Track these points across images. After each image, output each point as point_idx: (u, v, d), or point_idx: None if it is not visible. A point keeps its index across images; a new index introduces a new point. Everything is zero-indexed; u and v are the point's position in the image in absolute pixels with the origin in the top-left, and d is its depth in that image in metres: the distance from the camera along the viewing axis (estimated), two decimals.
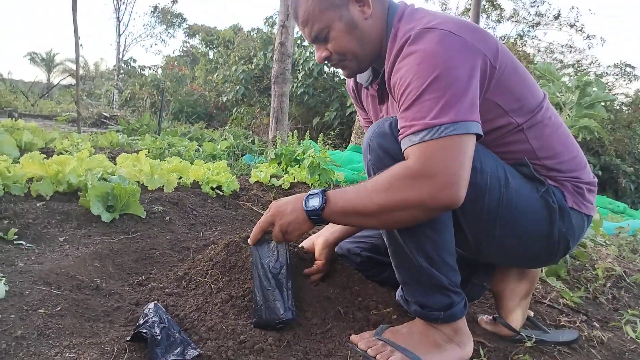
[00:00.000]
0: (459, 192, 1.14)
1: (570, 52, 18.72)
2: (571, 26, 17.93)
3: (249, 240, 1.44)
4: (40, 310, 1.30)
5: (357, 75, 1.56)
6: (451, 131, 1.13)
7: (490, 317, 1.70)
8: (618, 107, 14.06)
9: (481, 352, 1.48)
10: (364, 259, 1.72)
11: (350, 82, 1.70)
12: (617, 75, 17.49)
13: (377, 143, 1.30)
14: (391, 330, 1.42)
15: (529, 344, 1.58)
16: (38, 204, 2.07)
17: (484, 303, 1.99)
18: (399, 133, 1.21)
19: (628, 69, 16.82)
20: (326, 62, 1.42)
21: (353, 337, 1.41)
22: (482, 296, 1.82)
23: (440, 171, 1.13)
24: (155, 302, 1.36)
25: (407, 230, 1.28)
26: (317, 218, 1.28)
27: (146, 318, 1.27)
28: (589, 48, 18.21)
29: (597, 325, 2.00)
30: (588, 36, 17.92)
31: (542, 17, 18.62)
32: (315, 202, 1.27)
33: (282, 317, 1.33)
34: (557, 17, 17.86)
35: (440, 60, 1.16)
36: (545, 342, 1.65)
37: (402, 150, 1.21)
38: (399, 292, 1.44)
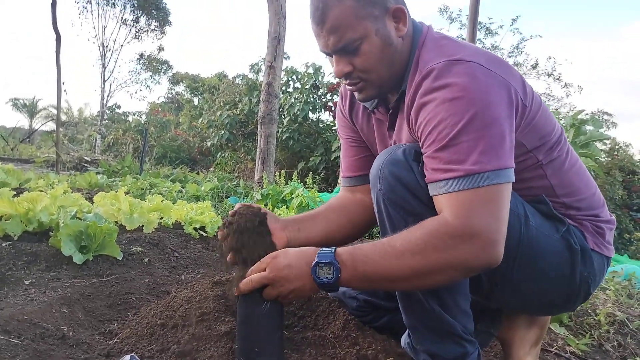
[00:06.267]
0: (500, 250, 1.04)
1: (549, 100, 19.26)
2: (549, 75, 18.50)
3: (235, 290, 1.22)
4: None
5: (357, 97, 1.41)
6: (493, 180, 1.03)
7: None
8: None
9: None
10: (361, 303, 1.58)
11: (346, 95, 1.53)
12: None
13: (389, 171, 1.17)
14: None
15: None
16: (4, 244, 1.90)
17: (489, 351, 1.86)
18: (429, 173, 1.10)
19: (606, 117, 17.29)
20: (342, 78, 1.26)
21: None
22: (488, 345, 1.68)
23: (483, 229, 1.02)
24: (133, 354, 1.20)
25: None
26: (330, 289, 1.12)
27: None
28: (567, 96, 18.71)
29: None
30: (566, 84, 18.48)
31: (520, 66, 19.17)
32: (328, 273, 1.09)
33: None
34: (534, 66, 18.46)
35: (475, 97, 1.05)
36: None
37: (433, 194, 1.09)
38: (405, 339, 1.30)
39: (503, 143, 1.05)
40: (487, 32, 18.60)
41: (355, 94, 1.31)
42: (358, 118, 1.51)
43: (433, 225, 1.05)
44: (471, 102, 1.04)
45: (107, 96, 24.58)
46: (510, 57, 19.42)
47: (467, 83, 1.06)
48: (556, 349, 2.02)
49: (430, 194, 1.10)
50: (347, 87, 1.29)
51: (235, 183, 7.59)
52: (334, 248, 1.11)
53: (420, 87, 1.13)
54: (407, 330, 1.27)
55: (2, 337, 1.24)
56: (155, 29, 25.00)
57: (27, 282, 1.69)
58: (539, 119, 1.21)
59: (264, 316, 1.20)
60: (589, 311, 2.53)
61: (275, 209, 3.48)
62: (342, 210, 1.52)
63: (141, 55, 26.91)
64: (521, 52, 18.93)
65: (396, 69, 1.24)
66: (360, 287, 1.17)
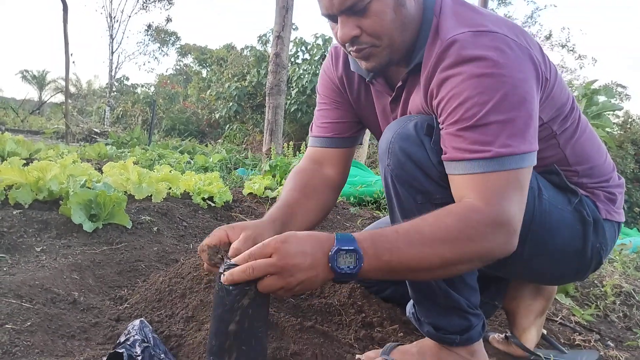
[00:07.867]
0: (517, 239, 1.01)
1: (563, 72, 18.91)
2: (562, 46, 18.12)
3: (224, 277, 0.96)
4: (7, 326, 1.16)
5: (353, 65, 1.29)
6: (518, 164, 0.99)
7: (502, 336, 1.58)
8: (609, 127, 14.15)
9: None
10: None
11: (337, 56, 1.38)
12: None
13: (399, 146, 1.10)
14: (400, 349, 1.28)
15: None
16: (15, 212, 1.92)
17: (494, 320, 1.88)
18: (451, 151, 1.03)
19: (619, 89, 16.96)
20: (348, 44, 1.11)
21: (358, 357, 1.27)
22: (493, 315, 1.70)
23: (511, 218, 0.98)
24: (142, 319, 1.22)
25: None
26: (348, 280, 0.97)
27: (128, 336, 1.13)
28: (581, 68, 18.34)
29: (612, 344, 1.90)
30: (579, 56, 18.10)
31: (534, 37, 18.65)
32: (350, 262, 0.93)
33: None
34: (548, 37, 18.06)
35: (505, 73, 0.99)
36: None
37: (453, 173, 1.03)
38: (410, 309, 1.31)
39: (530, 125, 1.01)
40: (500, 1, 18.18)
41: (362, 63, 1.17)
42: (353, 85, 1.38)
43: (464, 212, 0.98)
44: (501, 79, 0.99)
45: (116, 68, 24.46)
46: (524, 27, 18.84)
47: (496, 57, 0.99)
48: (561, 318, 2.03)
49: (448, 173, 1.04)
50: (353, 54, 1.16)
51: (243, 155, 7.61)
52: (351, 234, 0.98)
53: (443, 59, 1.05)
54: (412, 302, 1.28)
55: (14, 302, 1.27)
56: None
57: (38, 249, 1.72)
58: (556, 90, 1.16)
59: (257, 309, 0.98)
60: (596, 282, 2.54)
61: (284, 180, 3.48)
62: (315, 195, 1.40)
63: (149, 26, 26.66)
64: (535, 23, 18.53)
65: (408, 34, 1.13)
66: (378, 277, 1.04)
